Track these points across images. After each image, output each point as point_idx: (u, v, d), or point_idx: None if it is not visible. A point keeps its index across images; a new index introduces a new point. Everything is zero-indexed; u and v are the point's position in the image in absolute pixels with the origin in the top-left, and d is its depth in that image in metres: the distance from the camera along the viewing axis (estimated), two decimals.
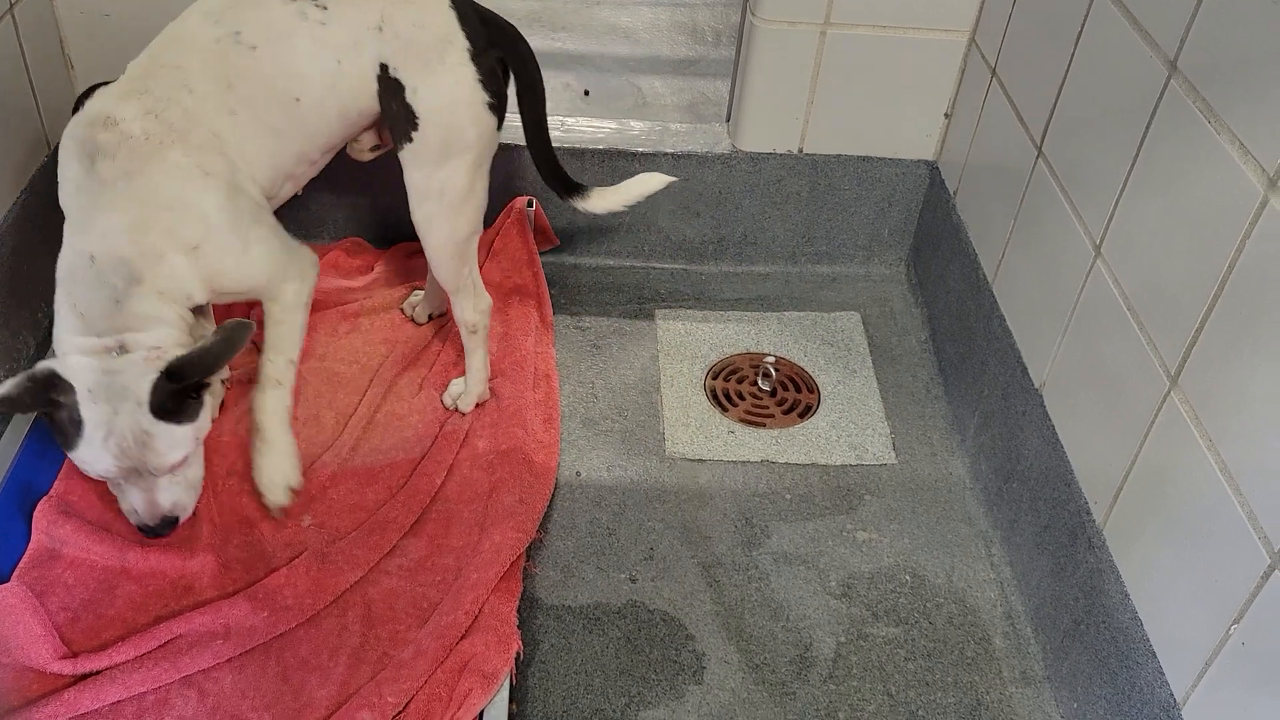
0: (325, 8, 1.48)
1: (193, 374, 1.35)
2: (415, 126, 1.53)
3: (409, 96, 1.52)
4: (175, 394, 1.35)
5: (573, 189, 1.76)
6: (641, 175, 1.76)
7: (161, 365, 1.34)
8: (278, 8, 1.47)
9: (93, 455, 1.34)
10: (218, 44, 1.44)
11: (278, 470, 1.56)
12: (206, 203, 1.41)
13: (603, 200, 1.76)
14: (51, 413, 1.34)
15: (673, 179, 1.77)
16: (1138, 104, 1.33)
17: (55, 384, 1.32)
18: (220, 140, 1.44)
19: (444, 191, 1.58)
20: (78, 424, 1.33)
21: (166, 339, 1.37)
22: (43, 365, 1.33)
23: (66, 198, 1.40)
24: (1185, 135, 1.24)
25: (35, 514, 1.51)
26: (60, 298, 1.37)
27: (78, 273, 1.36)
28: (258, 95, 1.46)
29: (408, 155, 1.56)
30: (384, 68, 1.51)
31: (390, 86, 1.52)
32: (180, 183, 1.39)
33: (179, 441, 1.38)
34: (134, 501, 1.41)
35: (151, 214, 1.37)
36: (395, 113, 1.53)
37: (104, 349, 1.34)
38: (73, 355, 1.34)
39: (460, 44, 1.54)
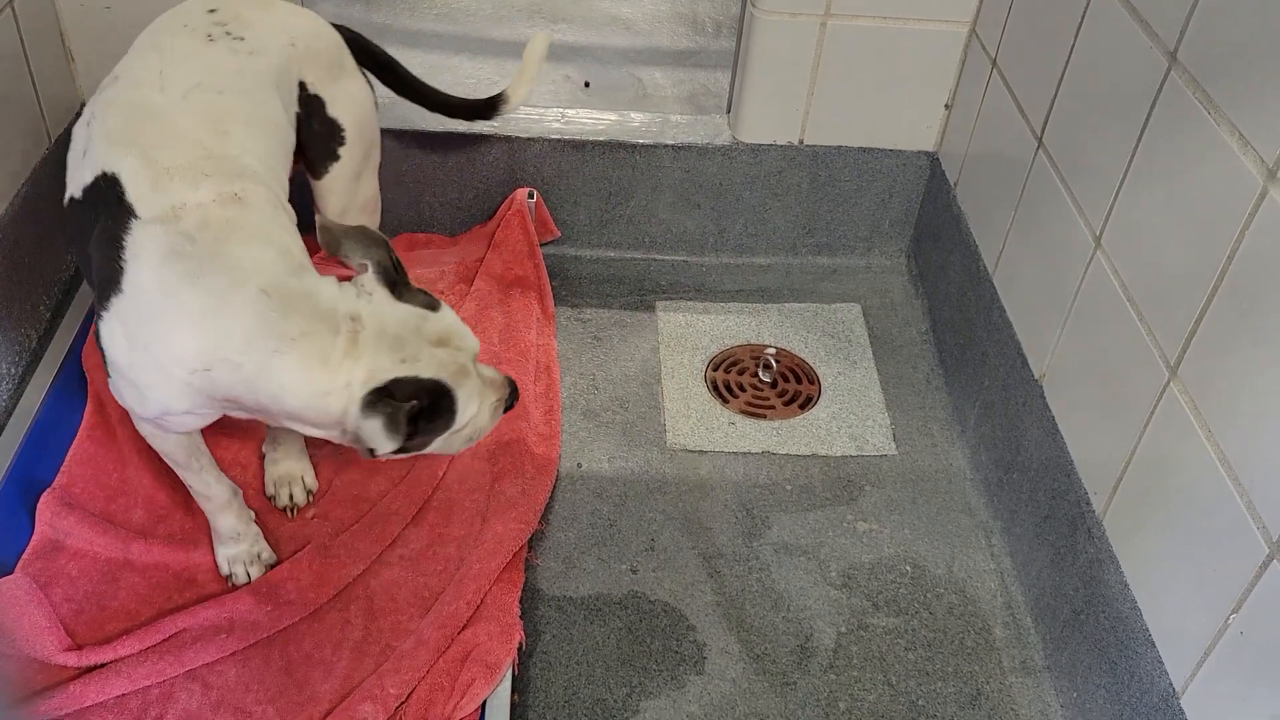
0: (242, 38, 1.39)
1: (396, 264, 1.26)
2: (342, 141, 1.49)
3: (330, 110, 1.48)
4: (408, 287, 1.26)
5: (491, 105, 1.77)
6: (529, 44, 1.75)
7: (378, 281, 1.24)
8: (207, 50, 1.37)
9: (465, 394, 1.25)
10: (187, 100, 1.32)
11: (294, 472, 1.60)
12: (288, 235, 1.31)
13: (519, 89, 1.76)
14: (417, 413, 1.21)
15: (550, 36, 1.77)
16: (1138, 95, 1.34)
17: (383, 399, 1.19)
18: (257, 177, 1.33)
19: (364, 205, 1.59)
20: (433, 390, 1.22)
21: (346, 286, 1.25)
22: (361, 407, 1.18)
23: (178, 305, 1.20)
24: (1185, 127, 1.24)
25: (38, 506, 1.51)
26: (270, 356, 1.18)
27: (267, 316, 1.18)
28: (254, 130, 1.35)
29: (333, 177, 1.51)
30: (303, 85, 1.45)
31: (310, 104, 1.46)
32: (267, 216, 1.28)
33: (451, 315, 1.28)
34: (476, 406, 1.29)
35: (275, 237, 1.26)
36: (317, 131, 1.48)
37: (335, 330, 1.20)
38: (335, 373, 1.19)
39: (344, 47, 1.52)
